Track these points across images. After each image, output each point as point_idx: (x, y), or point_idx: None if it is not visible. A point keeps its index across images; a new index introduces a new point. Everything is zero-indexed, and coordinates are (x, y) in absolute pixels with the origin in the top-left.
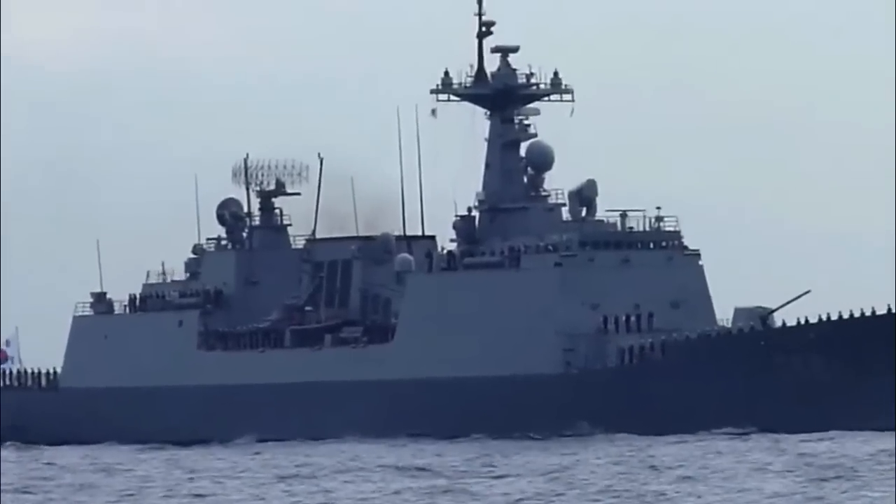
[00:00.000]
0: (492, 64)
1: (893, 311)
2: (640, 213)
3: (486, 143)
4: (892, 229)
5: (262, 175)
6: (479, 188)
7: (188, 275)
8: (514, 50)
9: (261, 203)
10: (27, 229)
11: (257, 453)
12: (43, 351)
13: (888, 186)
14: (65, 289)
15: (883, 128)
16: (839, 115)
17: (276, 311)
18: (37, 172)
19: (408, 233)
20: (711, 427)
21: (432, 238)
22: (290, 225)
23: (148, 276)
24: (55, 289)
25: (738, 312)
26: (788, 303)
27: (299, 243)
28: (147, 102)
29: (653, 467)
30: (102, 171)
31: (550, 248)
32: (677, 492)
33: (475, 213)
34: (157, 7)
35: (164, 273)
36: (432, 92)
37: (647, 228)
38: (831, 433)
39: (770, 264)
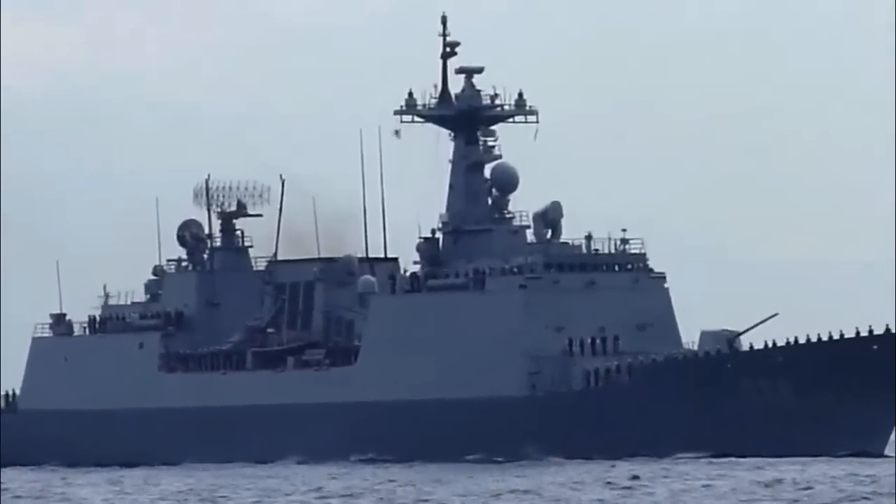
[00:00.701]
0: (456, 85)
1: (862, 335)
2: (606, 236)
3: (450, 165)
4: (860, 253)
5: (224, 196)
6: (443, 210)
7: (148, 296)
8: (479, 71)
9: (222, 224)
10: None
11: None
12: (1, 372)
13: (857, 209)
14: (23, 310)
15: (850, 151)
16: (806, 139)
17: (237, 333)
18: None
19: (370, 255)
20: (678, 451)
21: (395, 260)
22: (251, 246)
23: (108, 297)
24: (14, 310)
25: (705, 336)
26: (755, 326)
27: (261, 265)
28: (105, 124)
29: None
30: (62, 192)
31: (515, 270)
32: None
33: (439, 234)
34: (116, 29)
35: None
36: (396, 113)
37: (613, 251)
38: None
39: (737, 287)
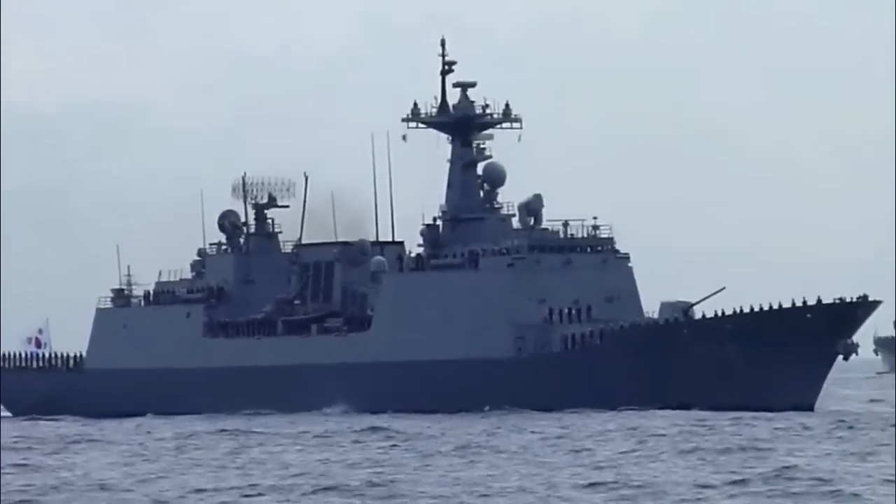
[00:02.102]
0: (453, 97)
1: (797, 305)
2: (580, 222)
3: (448, 164)
4: (795, 240)
5: (257, 190)
6: (443, 201)
7: (194, 274)
8: (472, 85)
9: (256, 214)
10: (59, 236)
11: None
12: (70, 338)
13: (795, 203)
14: (89, 285)
15: (801, 144)
16: (750, 143)
17: (269, 305)
18: (73, 193)
19: (380, 239)
20: (642, 403)
21: (401, 244)
22: (280, 232)
23: (160, 275)
24: (81, 285)
25: (664, 306)
26: (706, 298)
27: (288, 248)
28: (157, 134)
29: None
30: (123, 188)
31: (504, 251)
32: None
33: (439, 222)
34: (161, 48)
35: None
36: (403, 120)
37: (586, 235)
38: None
39: (691, 266)
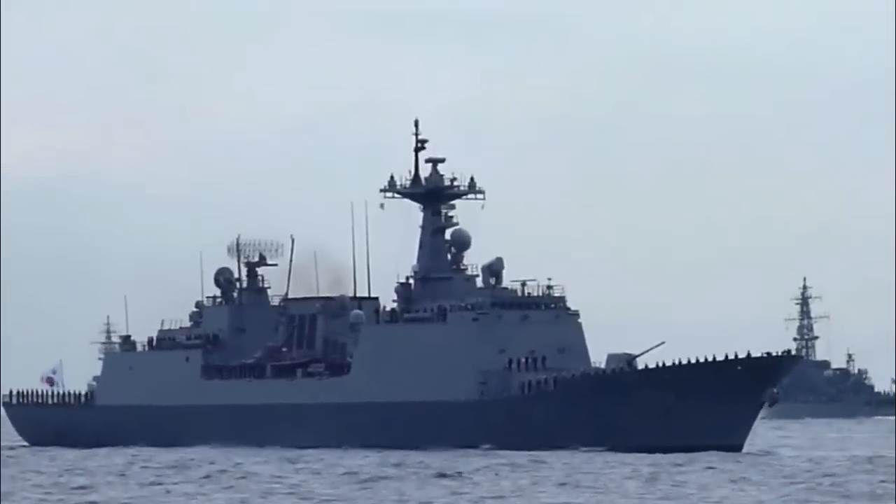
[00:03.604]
0: (425, 171)
1: (730, 358)
2: (536, 283)
3: (420, 229)
4: (726, 298)
5: (249, 250)
6: (415, 262)
7: (192, 323)
8: (442, 161)
9: (248, 271)
10: (73, 292)
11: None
12: (80, 378)
13: (722, 268)
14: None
15: (740, 204)
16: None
17: (259, 351)
18: (84, 251)
19: (358, 294)
20: (591, 444)
21: (377, 299)
22: (269, 287)
23: (162, 323)
24: (91, 332)
25: (610, 357)
26: (648, 351)
27: (276, 301)
28: (163, 201)
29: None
30: (130, 250)
31: (469, 307)
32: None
33: (412, 280)
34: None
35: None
36: (381, 191)
37: (541, 294)
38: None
39: (634, 321)
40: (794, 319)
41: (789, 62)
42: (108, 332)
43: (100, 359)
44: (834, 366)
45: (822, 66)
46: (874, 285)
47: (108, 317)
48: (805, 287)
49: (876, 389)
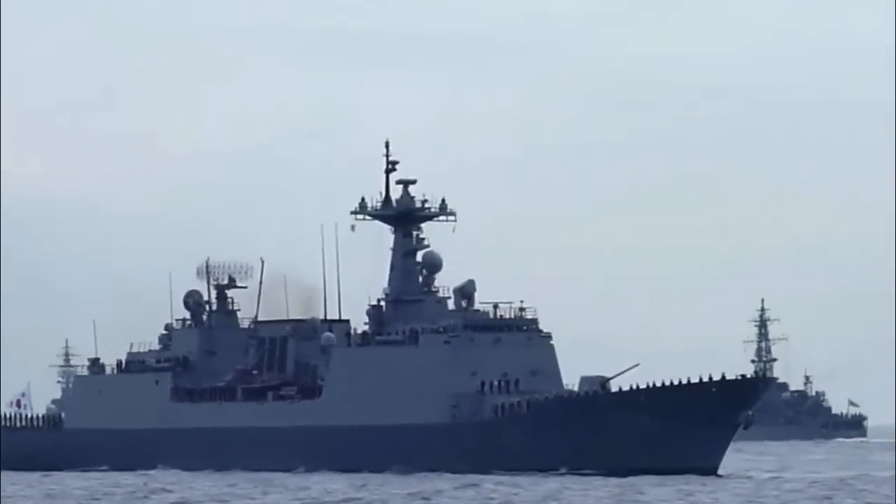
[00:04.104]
0: (396, 192)
1: (704, 381)
2: (508, 305)
3: (391, 252)
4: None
5: (219, 273)
6: (386, 285)
7: (161, 346)
8: (413, 182)
9: (217, 293)
10: (38, 315)
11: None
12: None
13: (695, 290)
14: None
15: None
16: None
17: (230, 374)
18: (47, 274)
19: (329, 317)
20: (564, 466)
21: (347, 321)
22: (238, 310)
23: (131, 346)
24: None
25: (584, 380)
26: (621, 373)
27: (245, 324)
28: (134, 223)
29: None
30: (97, 272)
31: (441, 330)
32: None
33: (383, 303)
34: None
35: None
36: (352, 213)
37: (513, 316)
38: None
39: (608, 343)
40: (752, 341)
41: (747, 85)
42: (67, 355)
43: (58, 382)
44: (791, 388)
45: (780, 86)
46: (832, 308)
47: (66, 340)
48: (763, 309)
49: (833, 412)
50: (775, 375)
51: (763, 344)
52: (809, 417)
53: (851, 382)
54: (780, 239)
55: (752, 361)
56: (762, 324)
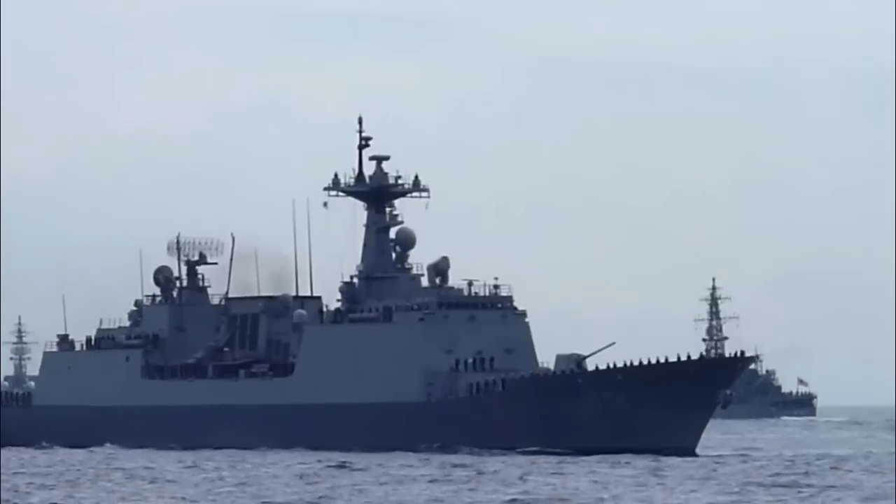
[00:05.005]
0: (369, 168)
1: (681, 360)
2: (482, 282)
3: (364, 228)
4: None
5: (189, 249)
6: (359, 261)
7: (131, 322)
8: (386, 158)
9: (187, 270)
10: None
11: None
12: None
13: (675, 268)
14: (37, 332)
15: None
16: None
17: (200, 351)
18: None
19: (300, 294)
20: (540, 445)
21: (319, 298)
22: (209, 286)
23: (101, 322)
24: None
25: (559, 358)
26: (598, 351)
27: (216, 300)
28: (106, 198)
29: None
30: (66, 244)
31: (415, 307)
32: None
33: (356, 280)
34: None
35: None
36: (325, 189)
37: (488, 293)
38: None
39: (584, 321)
40: (703, 320)
41: (706, 68)
42: (20, 332)
43: (11, 359)
44: None
45: (738, 69)
46: (782, 286)
47: (19, 317)
48: (714, 287)
49: (783, 391)
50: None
51: (714, 322)
52: (760, 396)
53: (801, 362)
54: (733, 219)
55: (704, 340)
56: (713, 302)
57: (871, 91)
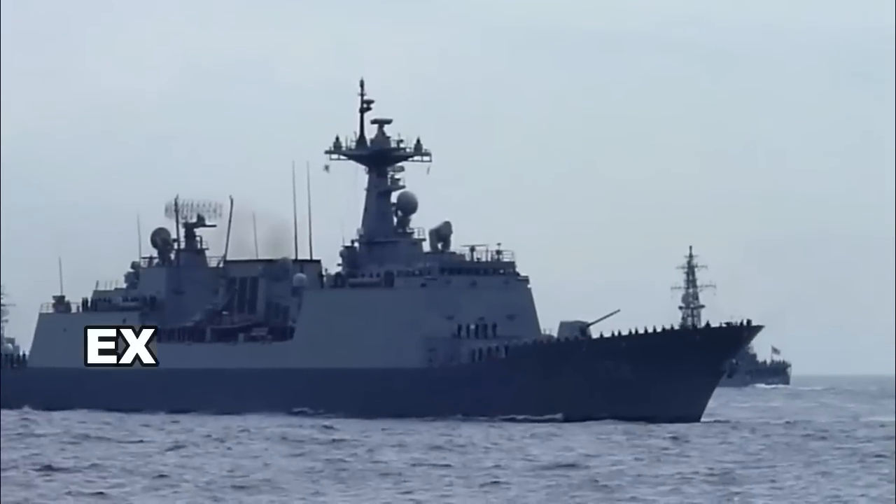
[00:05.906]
0: (371, 132)
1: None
2: (485, 248)
3: (365, 192)
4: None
5: (187, 211)
6: (360, 226)
7: (128, 284)
8: (388, 122)
9: (185, 232)
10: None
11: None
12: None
13: (676, 238)
14: (33, 293)
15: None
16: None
17: (198, 314)
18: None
19: (300, 257)
20: (542, 413)
21: (319, 262)
22: (207, 249)
23: (97, 284)
24: (26, 292)
25: (563, 325)
26: (602, 319)
27: (213, 262)
28: (107, 157)
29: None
30: (66, 207)
31: (416, 273)
32: None
33: (356, 244)
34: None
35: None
36: (326, 152)
37: (490, 259)
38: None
39: (588, 287)
40: (679, 288)
41: (685, 38)
42: None
43: None
44: None
45: (716, 41)
46: (758, 254)
47: None
48: (691, 255)
49: (759, 359)
50: (702, 324)
51: (690, 290)
52: (734, 364)
53: (775, 331)
54: (710, 188)
55: (680, 308)
56: (690, 270)
57: (848, 60)
